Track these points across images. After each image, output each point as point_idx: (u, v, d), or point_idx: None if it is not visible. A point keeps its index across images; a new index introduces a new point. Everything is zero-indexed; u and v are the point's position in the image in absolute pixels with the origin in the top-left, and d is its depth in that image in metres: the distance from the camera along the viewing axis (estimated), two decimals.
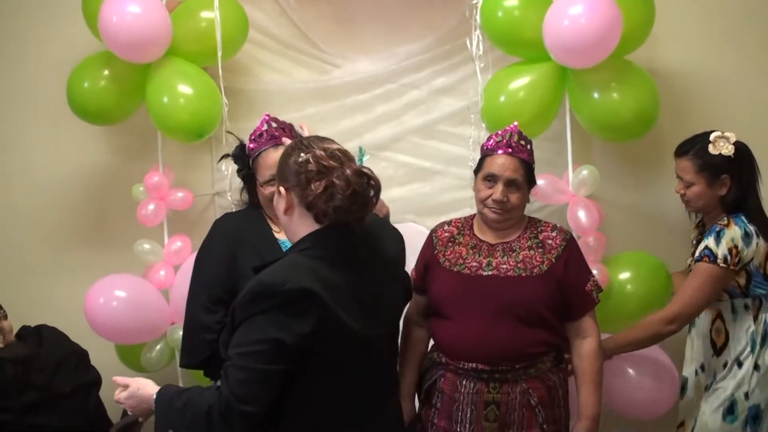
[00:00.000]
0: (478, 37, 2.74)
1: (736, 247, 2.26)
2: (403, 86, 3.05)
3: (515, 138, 2.21)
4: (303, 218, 1.68)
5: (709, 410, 2.35)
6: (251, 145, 2.23)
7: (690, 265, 2.48)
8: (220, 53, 2.79)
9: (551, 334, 2.16)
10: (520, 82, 2.65)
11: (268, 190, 2.18)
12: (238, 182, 2.73)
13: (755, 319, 2.35)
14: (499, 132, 2.25)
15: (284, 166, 1.70)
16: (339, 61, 3.11)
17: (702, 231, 2.50)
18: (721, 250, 2.26)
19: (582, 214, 2.61)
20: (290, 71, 3.15)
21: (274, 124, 2.22)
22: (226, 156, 2.41)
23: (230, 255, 2.19)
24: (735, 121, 2.79)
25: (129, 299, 2.74)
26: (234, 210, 2.51)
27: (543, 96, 2.65)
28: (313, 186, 1.63)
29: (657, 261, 2.72)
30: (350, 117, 3.03)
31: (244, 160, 2.28)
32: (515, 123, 2.25)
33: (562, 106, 2.74)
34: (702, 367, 2.46)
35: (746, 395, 2.31)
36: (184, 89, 2.74)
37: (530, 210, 2.68)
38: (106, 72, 2.81)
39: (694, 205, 2.42)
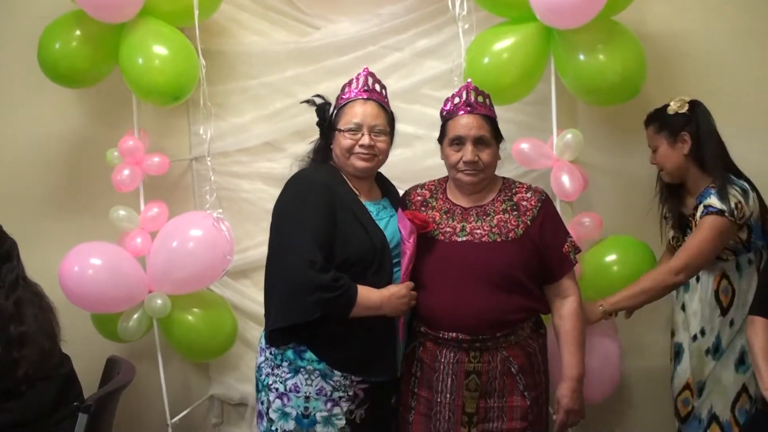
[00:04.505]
0: None
1: (740, 202, 2.30)
2: (385, 48, 2.99)
3: (472, 95, 2.16)
4: None
5: (722, 366, 2.37)
6: (344, 95, 2.19)
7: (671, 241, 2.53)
8: (196, 12, 2.71)
9: (530, 299, 2.13)
10: (504, 43, 2.57)
11: (348, 139, 2.13)
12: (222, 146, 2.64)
13: (758, 272, 2.38)
14: (455, 93, 2.20)
15: None
16: (319, 23, 3.05)
17: (676, 207, 2.55)
18: (728, 206, 2.29)
19: (566, 179, 2.55)
20: (269, 32, 3.10)
21: (371, 79, 2.18)
22: (309, 102, 2.26)
23: (331, 210, 2.06)
24: (722, 89, 2.76)
25: (104, 267, 2.69)
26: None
27: (527, 58, 2.57)
28: None
29: (639, 243, 2.67)
30: (331, 80, 2.94)
31: (326, 110, 2.22)
32: (469, 80, 2.20)
33: (548, 68, 2.66)
34: (702, 332, 2.45)
35: None
36: (159, 50, 2.67)
37: (516, 176, 2.64)
38: (78, 32, 2.74)
39: (667, 170, 2.49)
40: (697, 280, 2.46)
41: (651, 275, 2.41)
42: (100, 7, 2.61)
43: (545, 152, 2.62)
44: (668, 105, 2.48)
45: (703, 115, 2.44)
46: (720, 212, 2.29)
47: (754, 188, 2.39)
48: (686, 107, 2.43)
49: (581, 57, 2.52)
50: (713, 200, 2.32)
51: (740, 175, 2.41)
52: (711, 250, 2.33)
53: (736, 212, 2.29)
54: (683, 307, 2.51)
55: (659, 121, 2.48)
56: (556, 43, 2.58)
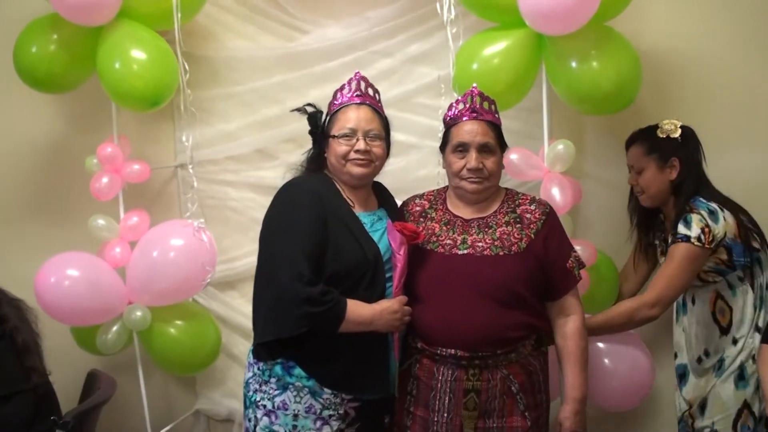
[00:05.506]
0: (450, 0, 2.59)
1: (707, 226, 2.27)
2: (374, 54, 2.93)
3: (478, 101, 2.11)
4: None
5: (720, 381, 2.34)
6: (336, 101, 2.13)
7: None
8: (177, 16, 2.63)
9: (532, 316, 2.06)
10: (494, 48, 2.51)
11: (342, 145, 2.06)
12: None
13: (752, 287, 2.35)
14: (459, 98, 2.15)
15: None
16: (307, 27, 2.99)
17: (662, 233, 2.54)
18: (694, 232, 2.27)
19: (556, 192, 2.49)
20: (256, 36, 3.04)
21: (363, 83, 2.12)
22: (300, 111, 2.18)
23: (323, 220, 1.99)
24: (719, 103, 2.73)
25: (82, 278, 2.62)
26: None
27: (518, 64, 2.51)
28: None
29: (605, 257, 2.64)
30: (319, 86, 2.90)
31: (318, 118, 2.15)
32: (474, 85, 2.15)
33: (540, 74, 2.60)
34: (706, 353, 2.42)
35: (753, 358, 2.30)
36: (137, 54, 2.60)
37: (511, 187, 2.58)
38: (55, 36, 2.66)
39: (647, 193, 2.46)
40: (693, 302, 2.44)
41: (627, 307, 2.38)
42: (74, 9, 2.53)
43: (535, 163, 2.56)
44: (657, 126, 2.44)
45: (694, 143, 2.42)
46: (686, 239, 2.27)
47: (727, 207, 2.34)
48: (679, 132, 2.40)
49: (573, 64, 2.46)
50: (680, 228, 2.30)
51: (714, 196, 2.37)
52: (683, 280, 2.31)
53: (703, 237, 2.26)
54: (684, 329, 2.49)
55: (649, 142, 2.44)
56: (548, 49, 2.52)
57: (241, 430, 2.94)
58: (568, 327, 2.10)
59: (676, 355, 2.53)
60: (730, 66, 2.76)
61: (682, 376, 2.49)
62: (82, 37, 2.64)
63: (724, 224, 2.29)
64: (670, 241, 2.35)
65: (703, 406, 2.38)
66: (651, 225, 2.59)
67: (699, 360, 2.42)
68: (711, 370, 2.38)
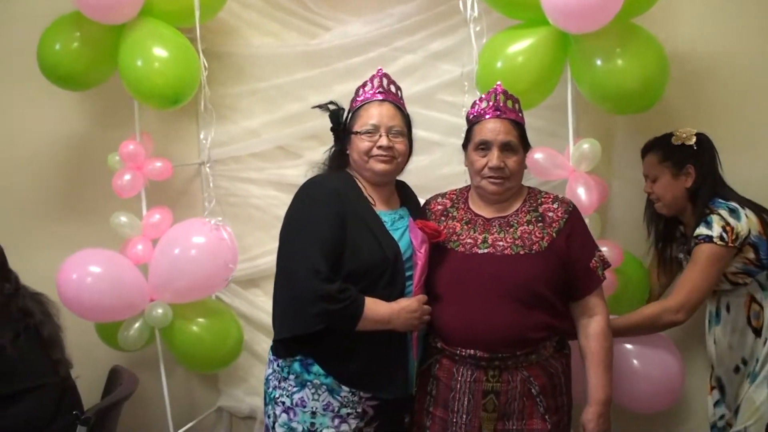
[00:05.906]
0: None
1: (728, 224, 2.24)
2: (396, 50, 2.92)
3: (501, 99, 2.08)
4: None
5: (754, 386, 2.30)
6: (358, 98, 2.13)
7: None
8: (197, 13, 2.64)
9: (554, 317, 2.02)
10: (518, 46, 2.48)
11: (365, 141, 2.06)
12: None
13: None
14: (483, 96, 2.12)
15: None
16: (330, 24, 2.99)
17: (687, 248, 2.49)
18: (715, 231, 2.25)
19: (581, 191, 2.45)
20: (278, 34, 3.04)
21: (385, 80, 2.12)
22: (323, 108, 2.17)
23: (341, 218, 1.98)
24: (750, 104, 2.66)
25: (104, 275, 2.64)
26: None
27: (543, 61, 2.48)
28: None
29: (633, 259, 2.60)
30: (342, 83, 2.90)
31: (340, 115, 2.15)
32: (499, 83, 2.12)
33: (565, 73, 2.56)
34: (744, 361, 2.38)
35: None
36: (159, 52, 2.62)
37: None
38: (78, 34, 2.69)
39: (663, 201, 2.44)
40: (728, 310, 2.38)
41: (650, 312, 2.34)
42: (96, 7, 2.55)
43: (560, 162, 2.52)
44: (672, 134, 2.42)
45: (710, 150, 2.39)
46: (708, 239, 2.23)
47: (747, 206, 2.30)
48: (693, 139, 2.38)
49: (598, 62, 2.42)
50: (701, 229, 2.27)
51: (733, 197, 2.33)
52: (708, 282, 2.27)
53: (725, 236, 2.23)
54: (715, 341, 2.44)
55: (663, 150, 2.42)
56: (572, 46, 2.48)
57: (262, 427, 2.95)
58: (592, 327, 2.06)
59: (712, 366, 2.49)
60: (761, 66, 2.68)
61: (721, 388, 2.45)
62: (104, 34, 2.66)
63: (747, 221, 2.26)
64: (692, 244, 2.31)
65: (737, 412, 2.34)
66: (670, 238, 2.55)
67: (737, 369, 2.37)
68: (748, 376, 2.34)
